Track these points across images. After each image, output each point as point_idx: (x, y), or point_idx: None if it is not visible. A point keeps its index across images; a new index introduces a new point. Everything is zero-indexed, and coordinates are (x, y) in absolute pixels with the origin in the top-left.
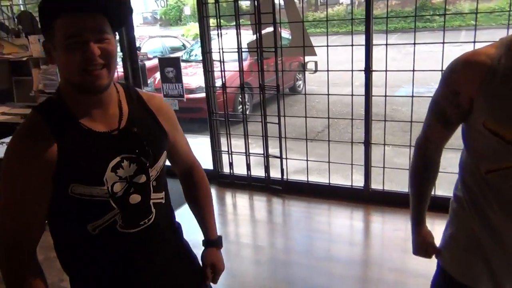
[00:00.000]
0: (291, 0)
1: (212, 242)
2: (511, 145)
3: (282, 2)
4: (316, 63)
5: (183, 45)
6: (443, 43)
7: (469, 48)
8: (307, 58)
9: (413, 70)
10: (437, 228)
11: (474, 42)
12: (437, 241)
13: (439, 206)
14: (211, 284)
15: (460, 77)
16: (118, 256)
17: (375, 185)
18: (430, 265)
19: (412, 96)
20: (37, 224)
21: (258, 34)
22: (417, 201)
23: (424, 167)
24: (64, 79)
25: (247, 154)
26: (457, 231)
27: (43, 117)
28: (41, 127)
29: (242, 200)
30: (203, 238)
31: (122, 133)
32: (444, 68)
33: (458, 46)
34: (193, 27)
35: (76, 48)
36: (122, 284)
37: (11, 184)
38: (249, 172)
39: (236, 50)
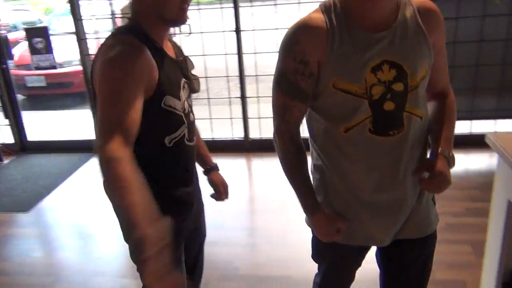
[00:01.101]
0: None
1: (214, 167)
2: (363, 98)
3: None
4: (190, 26)
5: (39, 19)
6: (299, 3)
7: None
8: None
9: (276, 29)
10: None
11: None
12: None
13: None
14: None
15: (305, 45)
16: (183, 164)
17: (253, 135)
18: None
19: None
20: (139, 120)
21: None
22: (305, 189)
23: (297, 151)
24: (153, 12)
25: None
26: (324, 198)
27: (138, 40)
28: (143, 47)
29: None
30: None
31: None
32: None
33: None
34: (42, 1)
35: None
36: (181, 193)
37: (126, 83)
38: None
39: (110, 16)
